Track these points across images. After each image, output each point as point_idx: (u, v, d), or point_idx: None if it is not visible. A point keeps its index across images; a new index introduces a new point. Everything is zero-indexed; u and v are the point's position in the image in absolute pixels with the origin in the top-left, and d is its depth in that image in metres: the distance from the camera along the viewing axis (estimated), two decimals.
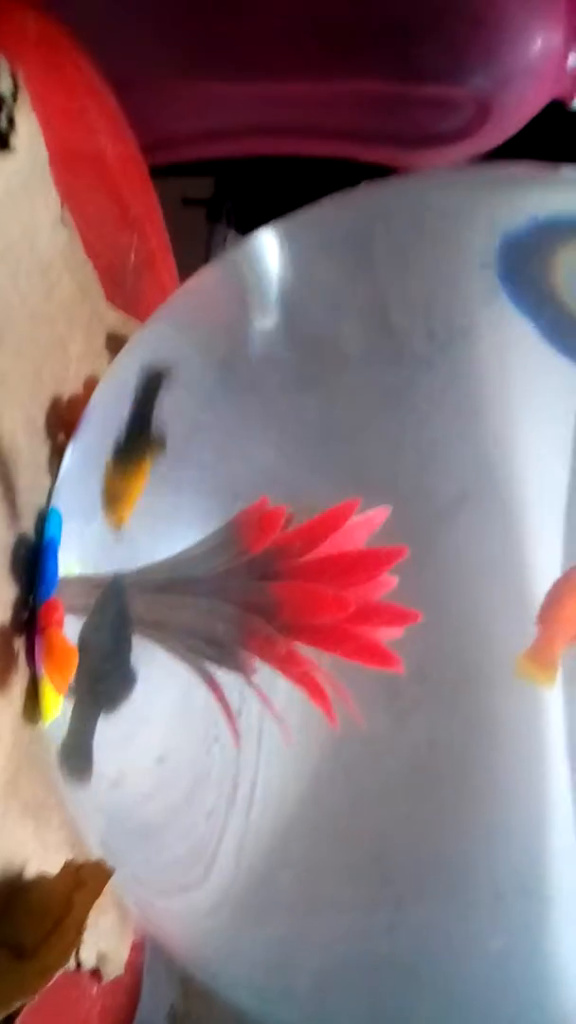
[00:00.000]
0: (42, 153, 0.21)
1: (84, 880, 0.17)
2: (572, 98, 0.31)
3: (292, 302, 0.19)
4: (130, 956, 0.23)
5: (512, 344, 0.17)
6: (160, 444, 0.18)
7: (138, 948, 0.24)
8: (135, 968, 0.24)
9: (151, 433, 0.18)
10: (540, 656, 0.15)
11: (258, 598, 0.17)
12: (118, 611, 0.18)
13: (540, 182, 0.20)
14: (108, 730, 0.18)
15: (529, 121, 0.31)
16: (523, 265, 0.17)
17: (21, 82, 0.20)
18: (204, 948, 0.19)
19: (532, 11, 0.29)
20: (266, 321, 0.19)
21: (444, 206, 0.19)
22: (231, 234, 0.43)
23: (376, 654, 0.16)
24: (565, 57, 0.30)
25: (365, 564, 0.16)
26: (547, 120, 0.31)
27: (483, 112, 0.30)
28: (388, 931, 0.16)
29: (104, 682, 0.18)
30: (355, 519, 0.16)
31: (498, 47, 0.28)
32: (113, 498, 0.19)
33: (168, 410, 0.19)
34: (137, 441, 0.19)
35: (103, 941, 0.22)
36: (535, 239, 0.18)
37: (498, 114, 0.30)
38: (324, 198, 0.20)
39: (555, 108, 0.31)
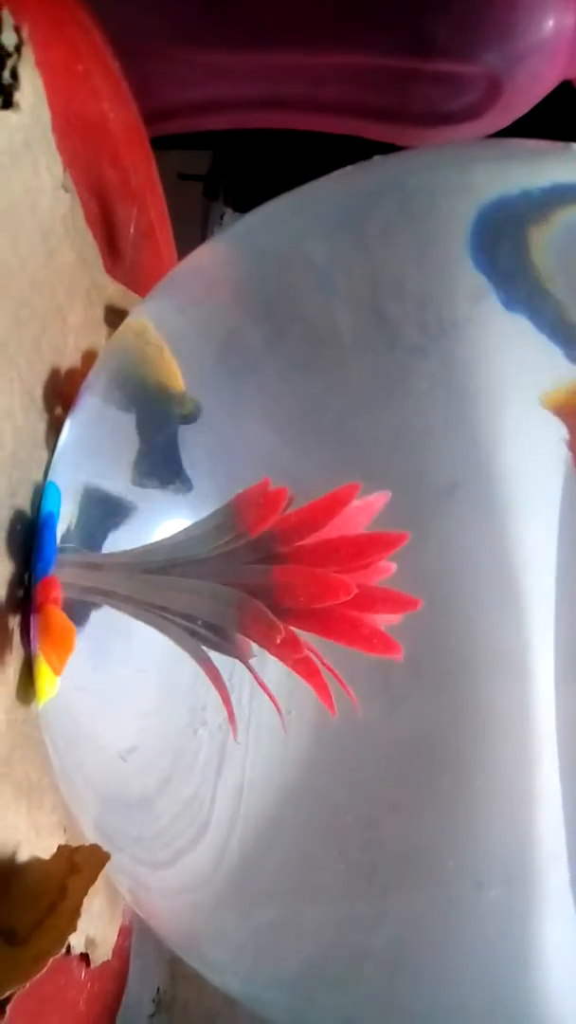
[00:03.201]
0: (45, 113, 0.20)
1: (78, 865, 0.17)
2: None
3: (287, 284, 0.19)
4: (118, 941, 0.23)
5: (504, 336, 0.17)
6: None
7: (126, 933, 0.24)
8: (123, 953, 0.24)
9: None
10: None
11: (257, 580, 0.16)
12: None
13: (532, 155, 0.20)
14: (98, 703, 0.18)
15: (539, 102, 0.30)
16: (499, 238, 0.17)
17: (25, 37, 0.19)
18: (194, 930, 0.19)
19: None
20: (262, 302, 0.18)
21: (431, 185, 0.19)
22: (228, 212, 0.42)
23: (377, 641, 0.16)
24: None
25: (366, 549, 0.16)
26: (556, 101, 0.31)
27: (494, 91, 0.29)
28: (373, 918, 0.16)
29: None
30: (356, 503, 0.16)
31: (511, 25, 0.28)
32: None
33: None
34: None
35: (92, 926, 0.21)
36: (511, 213, 0.17)
37: (509, 93, 0.29)
38: (322, 176, 0.20)
39: (565, 89, 0.31)
